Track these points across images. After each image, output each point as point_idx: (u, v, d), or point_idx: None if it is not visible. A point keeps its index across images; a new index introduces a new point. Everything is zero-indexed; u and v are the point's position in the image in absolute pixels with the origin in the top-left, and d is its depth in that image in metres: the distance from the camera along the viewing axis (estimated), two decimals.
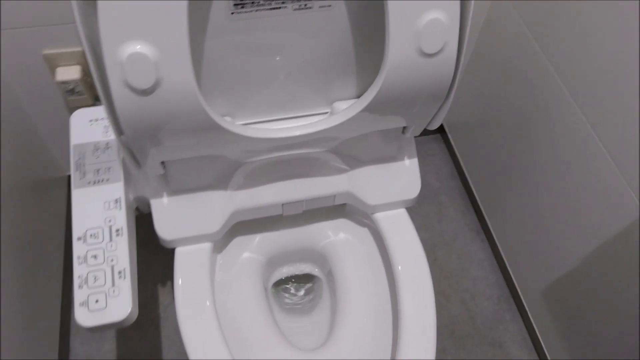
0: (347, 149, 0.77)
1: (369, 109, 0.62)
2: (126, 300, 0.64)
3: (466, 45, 0.60)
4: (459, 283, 1.18)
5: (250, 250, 0.85)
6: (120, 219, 0.69)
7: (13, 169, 0.93)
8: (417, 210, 1.28)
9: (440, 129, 1.41)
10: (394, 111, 0.65)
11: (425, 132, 1.41)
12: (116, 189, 0.71)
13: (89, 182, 0.71)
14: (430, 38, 0.56)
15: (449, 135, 1.38)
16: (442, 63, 0.59)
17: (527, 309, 1.11)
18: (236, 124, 0.65)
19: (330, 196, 0.79)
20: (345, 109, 0.64)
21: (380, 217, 0.81)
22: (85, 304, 0.63)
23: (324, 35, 0.61)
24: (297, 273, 0.93)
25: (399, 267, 0.76)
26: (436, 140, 1.42)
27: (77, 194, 0.70)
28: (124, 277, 0.65)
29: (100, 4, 0.48)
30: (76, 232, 0.68)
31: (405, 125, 0.71)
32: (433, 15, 0.55)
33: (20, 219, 0.93)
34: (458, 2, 0.56)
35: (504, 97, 1.06)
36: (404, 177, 0.80)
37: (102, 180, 0.71)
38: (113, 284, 0.65)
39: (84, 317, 0.63)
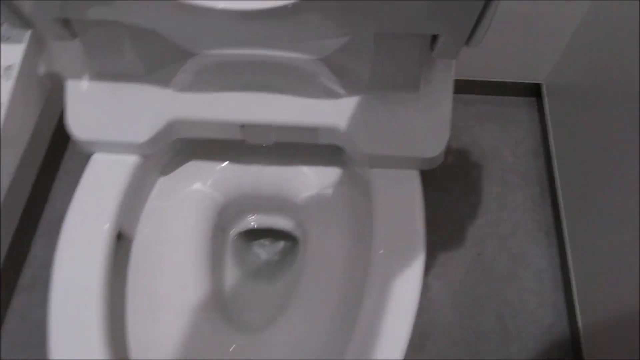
0: (347, 60, 0.51)
1: None
2: None
3: None
4: (502, 292, 0.89)
5: (204, 181, 0.64)
6: (4, 92, 0.50)
7: None
8: (476, 187, 0.99)
9: (537, 92, 1.07)
10: None
11: (519, 92, 1.09)
12: (13, 53, 0.52)
13: None
14: None
15: (546, 101, 1.04)
16: None
17: (583, 354, 0.81)
18: None
19: (312, 129, 0.54)
20: None
21: (377, 175, 0.55)
22: None
23: None
24: (269, 227, 0.70)
25: (380, 251, 0.51)
26: (528, 105, 1.08)
27: None
28: None
29: None
30: None
31: (428, 30, 0.44)
32: None
33: None
34: None
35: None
36: (424, 122, 0.53)
37: (5, 38, 0.53)
38: None
39: None
